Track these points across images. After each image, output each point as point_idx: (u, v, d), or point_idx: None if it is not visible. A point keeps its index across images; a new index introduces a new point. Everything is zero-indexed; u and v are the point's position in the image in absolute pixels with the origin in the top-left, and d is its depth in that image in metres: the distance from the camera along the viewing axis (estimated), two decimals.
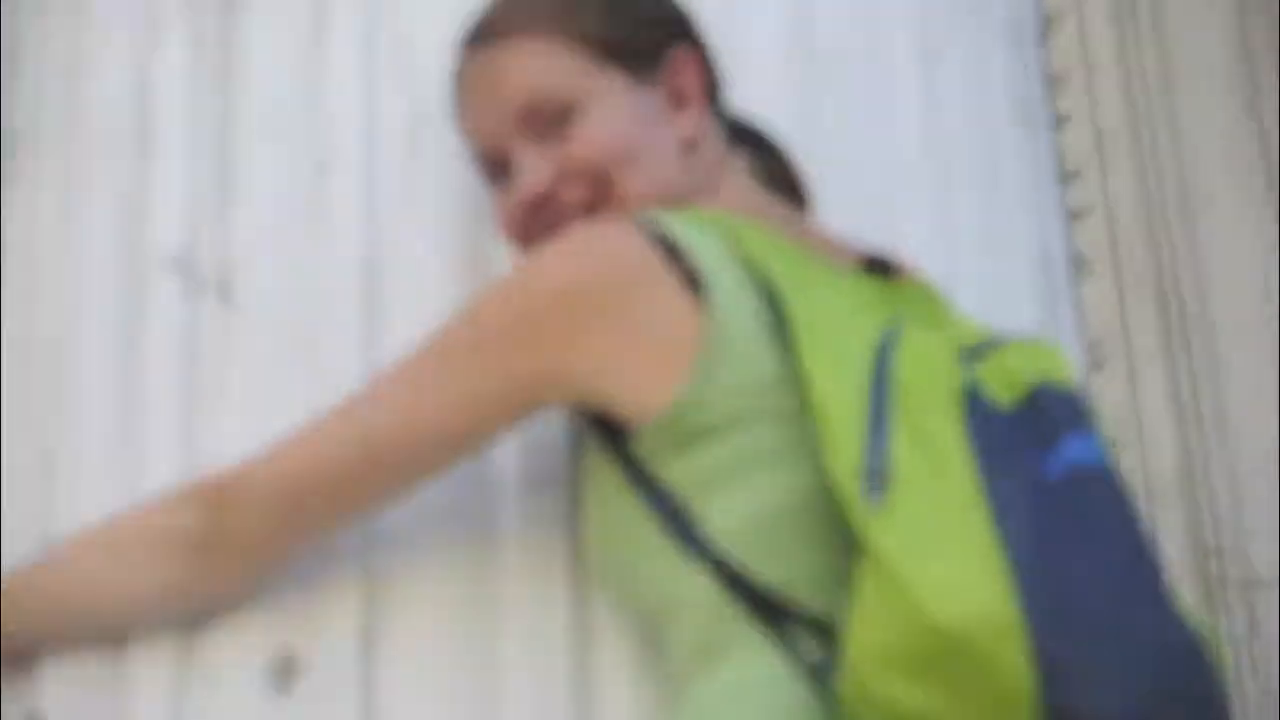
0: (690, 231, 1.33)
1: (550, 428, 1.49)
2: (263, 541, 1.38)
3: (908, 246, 1.51)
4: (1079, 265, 1.80)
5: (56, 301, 1.63)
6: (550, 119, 1.43)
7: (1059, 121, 1.88)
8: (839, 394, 1.21)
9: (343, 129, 1.62)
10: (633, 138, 1.43)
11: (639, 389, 1.27)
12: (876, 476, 1.16)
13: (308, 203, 1.61)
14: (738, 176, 1.48)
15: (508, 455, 1.48)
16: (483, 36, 1.48)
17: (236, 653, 1.45)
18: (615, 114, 1.43)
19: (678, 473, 1.26)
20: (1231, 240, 1.81)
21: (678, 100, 1.46)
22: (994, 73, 1.84)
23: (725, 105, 1.52)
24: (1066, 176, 1.85)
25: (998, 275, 1.68)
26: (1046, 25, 1.93)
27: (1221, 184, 1.82)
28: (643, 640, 1.41)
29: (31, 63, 1.73)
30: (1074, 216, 1.83)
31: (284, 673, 1.45)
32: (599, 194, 1.43)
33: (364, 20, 1.65)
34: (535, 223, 1.45)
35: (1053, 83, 1.88)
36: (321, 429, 1.36)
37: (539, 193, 1.43)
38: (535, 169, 1.44)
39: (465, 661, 1.45)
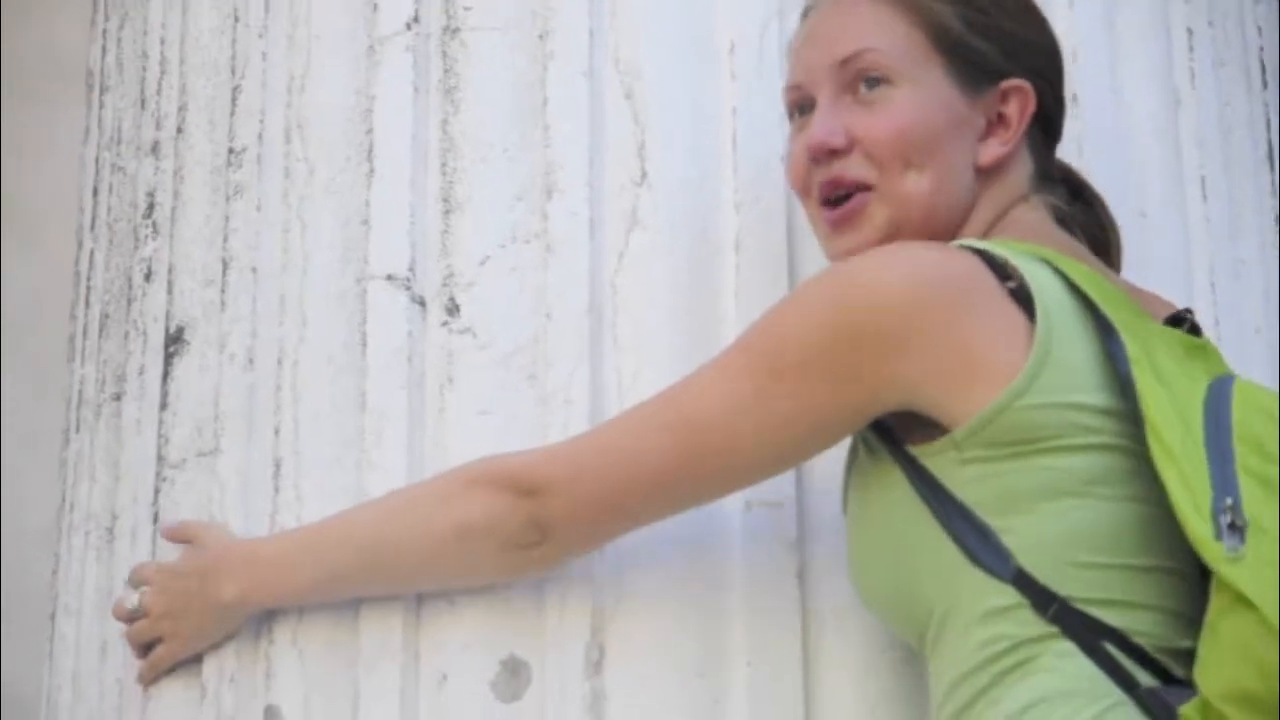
0: (1013, 254, 1.38)
1: None
2: (582, 540, 1.46)
3: (1148, 285, 1.54)
4: None
5: (280, 313, 1.71)
6: (862, 81, 1.48)
7: None
8: (1181, 437, 1.28)
9: (567, 149, 1.67)
10: (930, 139, 1.46)
11: (966, 391, 1.33)
12: (1233, 523, 1.23)
13: (532, 223, 1.66)
14: (1033, 213, 1.51)
15: None
16: None
17: (466, 658, 1.53)
18: (921, 107, 1.47)
19: (981, 484, 1.32)
20: None
21: (993, 126, 1.49)
22: (1237, 114, 1.85)
23: (1054, 155, 1.55)
24: None
25: (1234, 314, 1.72)
26: None
27: None
28: (871, 647, 1.51)
29: (255, 79, 1.81)
30: None
31: (512, 679, 1.54)
32: (878, 180, 1.47)
33: (586, 40, 1.70)
34: (811, 175, 1.49)
35: None
36: (638, 433, 1.42)
37: (823, 145, 1.47)
38: (827, 121, 1.48)
39: (692, 673, 1.52)
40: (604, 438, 1.46)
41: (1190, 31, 1.81)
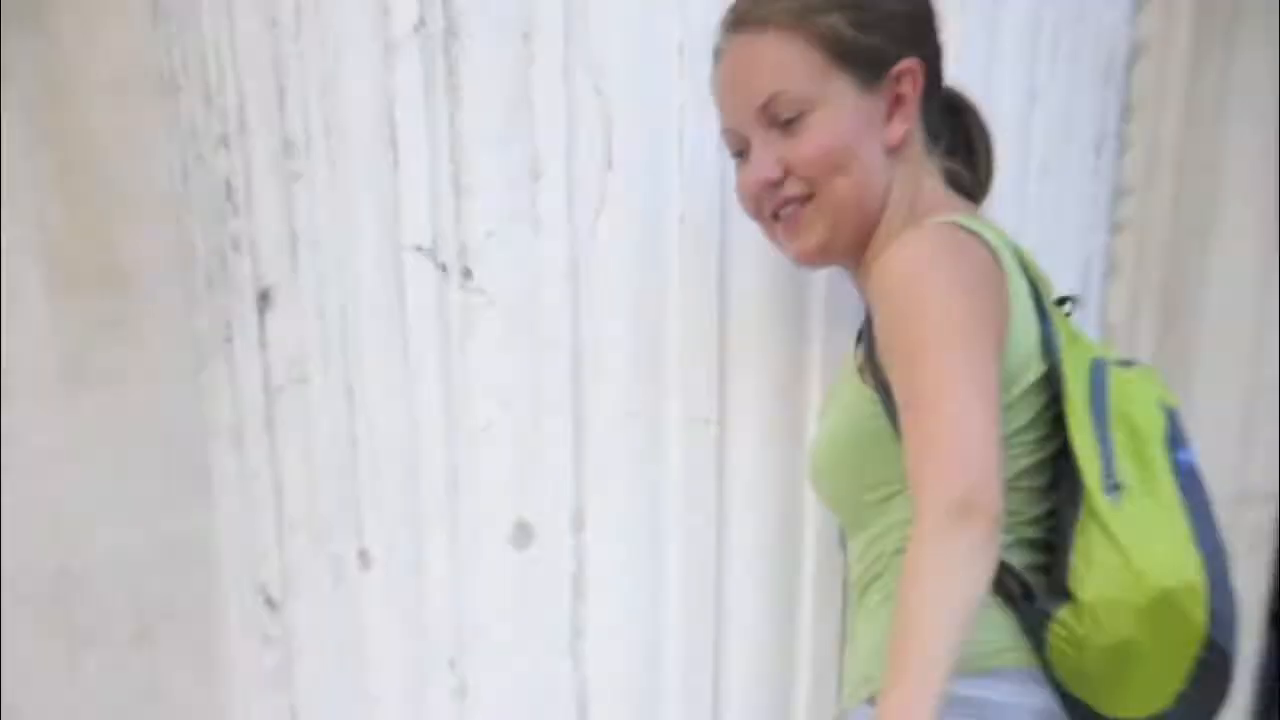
0: (985, 230, 1.57)
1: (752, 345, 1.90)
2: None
3: None
4: (1111, 270, 2.06)
5: (339, 280, 1.99)
6: (784, 117, 1.60)
7: (1124, 146, 2.08)
8: (1082, 410, 1.54)
9: (548, 141, 1.85)
10: (848, 146, 1.59)
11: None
12: (1113, 483, 1.51)
13: (523, 203, 1.87)
14: (933, 180, 1.65)
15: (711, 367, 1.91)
16: (740, 23, 1.63)
17: (484, 518, 1.89)
18: (838, 122, 1.59)
19: None
20: (1235, 262, 2.07)
21: (893, 108, 1.61)
22: (1081, 107, 2.05)
23: (934, 97, 1.67)
24: (1120, 193, 2.07)
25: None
26: (1131, 59, 2.15)
27: (1237, 211, 2.06)
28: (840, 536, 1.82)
29: (295, 81, 2.00)
30: (1117, 229, 2.05)
31: (521, 536, 1.90)
32: (813, 190, 1.61)
33: (563, 44, 1.85)
34: (762, 202, 1.65)
35: (1128, 111, 2.08)
36: (949, 438, 1.46)
37: (765, 180, 1.63)
38: (763, 158, 1.62)
39: (658, 537, 1.89)
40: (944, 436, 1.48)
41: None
